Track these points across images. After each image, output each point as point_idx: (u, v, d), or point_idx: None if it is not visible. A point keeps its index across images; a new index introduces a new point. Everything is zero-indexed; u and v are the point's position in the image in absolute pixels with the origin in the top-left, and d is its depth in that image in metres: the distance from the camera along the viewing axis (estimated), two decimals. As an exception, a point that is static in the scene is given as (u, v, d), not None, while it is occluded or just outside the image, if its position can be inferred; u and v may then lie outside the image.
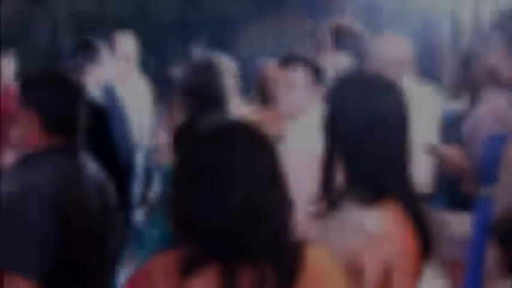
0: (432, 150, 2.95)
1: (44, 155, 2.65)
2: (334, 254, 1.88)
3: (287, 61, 3.60)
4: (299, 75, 3.48)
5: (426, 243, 2.16)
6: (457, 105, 4.69)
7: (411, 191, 2.18)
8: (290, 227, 1.79)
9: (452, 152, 3.05)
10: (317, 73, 3.50)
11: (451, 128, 3.97)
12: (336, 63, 4.42)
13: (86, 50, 4.29)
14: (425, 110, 3.88)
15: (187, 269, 1.69)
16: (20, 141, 2.67)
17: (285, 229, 1.75)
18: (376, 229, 1.98)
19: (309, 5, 13.45)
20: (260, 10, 13.99)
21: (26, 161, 2.71)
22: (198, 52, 11.86)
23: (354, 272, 1.93)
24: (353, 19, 4.54)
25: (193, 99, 3.73)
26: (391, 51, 3.96)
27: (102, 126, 4.30)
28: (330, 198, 2.07)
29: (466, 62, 4.42)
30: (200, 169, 1.67)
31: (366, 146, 2.00)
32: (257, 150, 1.70)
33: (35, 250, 2.54)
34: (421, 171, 3.83)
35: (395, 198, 2.07)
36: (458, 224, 3.26)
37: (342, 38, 4.35)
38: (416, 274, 2.11)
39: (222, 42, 12.27)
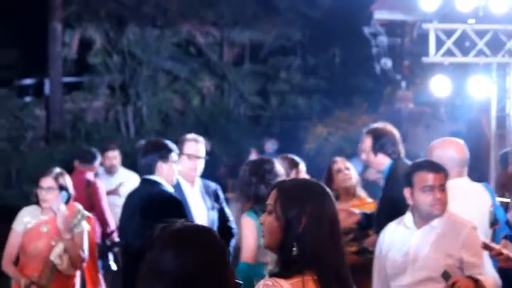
0: (487, 248, 3.35)
1: None
2: None
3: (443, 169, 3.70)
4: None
5: None
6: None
7: None
8: None
9: (503, 249, 3.34)
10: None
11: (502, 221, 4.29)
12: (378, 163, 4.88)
13: (158, 150, 4.52)
14: (476, 205, 4.03)
15: None
16: None
17: None
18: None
19: (375, 104, 13.83)
20: (327, 107, 14.51)
21: None
22: (270, 146, 12.58)
23: None
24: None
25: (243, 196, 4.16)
26: (451, 153, 4.10)
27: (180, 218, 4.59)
28: None
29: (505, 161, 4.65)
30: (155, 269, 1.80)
31: None
32: (207, 255, 1.80)
33: None
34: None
35: None
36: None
37: (379, 140, 4.77)
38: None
39: (291, 137, 12.95)
